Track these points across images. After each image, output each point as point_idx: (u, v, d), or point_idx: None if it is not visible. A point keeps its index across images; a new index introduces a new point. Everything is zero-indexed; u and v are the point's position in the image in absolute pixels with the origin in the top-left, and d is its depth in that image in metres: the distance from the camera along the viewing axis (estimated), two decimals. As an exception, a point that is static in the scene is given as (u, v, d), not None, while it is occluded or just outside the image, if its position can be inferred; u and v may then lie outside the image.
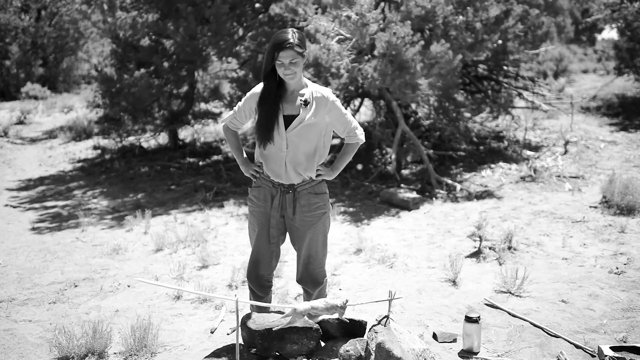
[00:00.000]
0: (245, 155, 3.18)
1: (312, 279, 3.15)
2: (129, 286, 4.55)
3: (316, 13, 7.41)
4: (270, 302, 3.27)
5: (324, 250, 3.15)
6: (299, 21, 7.76)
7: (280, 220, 3.05)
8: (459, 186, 7.29)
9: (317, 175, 3.02)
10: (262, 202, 3.04)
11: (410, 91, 6.86)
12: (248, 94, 3.01)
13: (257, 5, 9.12)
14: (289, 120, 2.89)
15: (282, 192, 2.99)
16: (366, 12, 6.86)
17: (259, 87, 2.97)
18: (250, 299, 3.19)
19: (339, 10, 7.13)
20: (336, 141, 9.02)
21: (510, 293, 4.11)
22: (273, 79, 2.89)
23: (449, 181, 7.45)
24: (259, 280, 3.13)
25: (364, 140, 3.14)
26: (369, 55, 7.15)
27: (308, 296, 3.20)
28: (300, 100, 2.87)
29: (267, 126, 2.89)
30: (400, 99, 7.32)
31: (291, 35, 2.78)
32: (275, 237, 3.07)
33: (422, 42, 6.85)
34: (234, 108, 3.11)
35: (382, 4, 7.40)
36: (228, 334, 3.62)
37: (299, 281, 3.20)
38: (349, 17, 6.98)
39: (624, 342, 3.33)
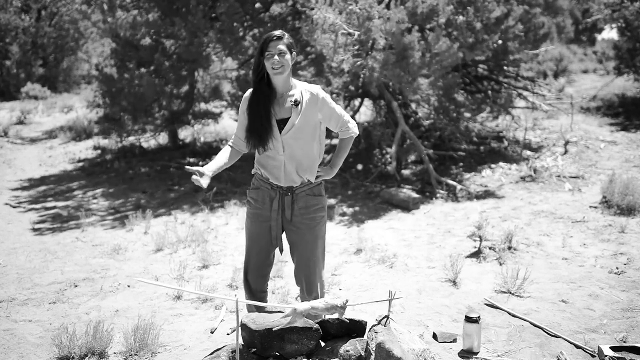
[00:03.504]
0: (215, 167, 2.87)
1: (310, 281, 3.13)
2: (129, 286, 4.55)
3: (324, 3, 7.43)
4: (266, 302, 3.27)
5: (323, 254, 3.14)
6: (300, 21, 7.75)
7: (280, 223, 3.05)
8: (459, 186, 7.29)
9: (317, 177, 3.02)
10: (261, 204, 3.04)
11: (408, 79, 6.84)
12: (240, 104, 3.03)
13: (257, 5, 9.11)
14: (282, 123, 2.90)
15: (280, 194, 2.99)
16: (368, 7, 6.87)
17: (248, 92, 2.99)
18: (246, 299, 3.18)
19: (345, 3, 7.15)
20: (336, 141, 9.01)
21: (511, 293, 4.11)
22: (262, 83, 2.90)
23: (449, 181, 7.44)
24: (258, 280, 3.13)
25: (358, 133, 3.14)
26: (372, 51, 7.16)
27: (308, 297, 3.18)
28: (291, 101, 2.88)
29: (260, 132, 2.89)
30: (401, 91, 7.30)
31: (280, 32, 2.87)
32: (276, 238, 3.07)
33: (425, 39, 6.85)
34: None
35: None
36: (228, 334, 3.62)
37: (301, 286, 3.16)
38: (353, 12, 7.00)
39: (624, 342, 3.34)
